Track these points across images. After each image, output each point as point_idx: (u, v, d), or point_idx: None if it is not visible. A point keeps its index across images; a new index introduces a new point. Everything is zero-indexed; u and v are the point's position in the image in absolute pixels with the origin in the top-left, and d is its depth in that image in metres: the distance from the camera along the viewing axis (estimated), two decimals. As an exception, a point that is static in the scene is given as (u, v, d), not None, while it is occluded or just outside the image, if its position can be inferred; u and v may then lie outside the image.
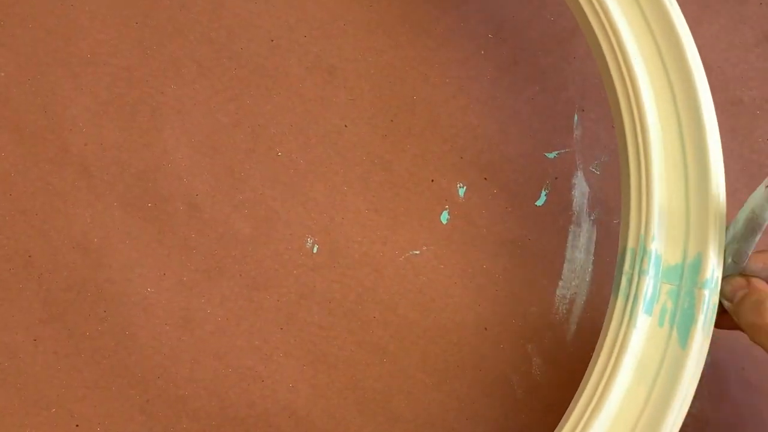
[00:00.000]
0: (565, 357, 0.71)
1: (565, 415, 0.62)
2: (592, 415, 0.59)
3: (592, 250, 0.73)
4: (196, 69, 0.74)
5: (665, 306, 0.61)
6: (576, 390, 0.63)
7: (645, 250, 0.61)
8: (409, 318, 0.71)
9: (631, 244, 0.62)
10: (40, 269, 0.70)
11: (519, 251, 0.72)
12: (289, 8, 0.75)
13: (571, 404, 0.62)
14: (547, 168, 0.73)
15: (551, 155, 0.74)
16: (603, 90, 0.72)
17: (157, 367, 0.69)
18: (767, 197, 0.57)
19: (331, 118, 0.73)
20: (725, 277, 0.61)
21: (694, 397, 0.67)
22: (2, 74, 0.73)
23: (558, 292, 0.72)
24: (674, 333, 0.60)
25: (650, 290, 0.61)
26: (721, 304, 0.62)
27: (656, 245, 0.61)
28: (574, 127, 0.75)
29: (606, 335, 0.61)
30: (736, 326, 0.61)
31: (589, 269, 0.72)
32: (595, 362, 0.61)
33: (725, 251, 0.61)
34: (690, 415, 0.69)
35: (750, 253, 0.61)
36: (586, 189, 0.73)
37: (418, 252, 0.72)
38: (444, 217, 0.72)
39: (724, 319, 0.62)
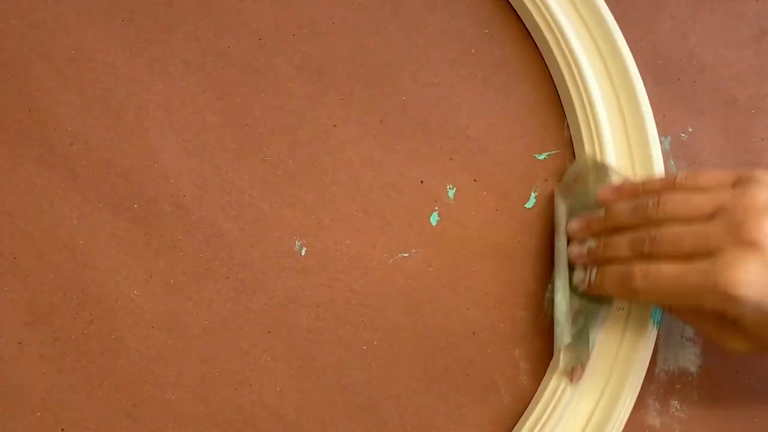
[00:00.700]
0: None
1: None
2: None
3: (583, 254, 0.72)
4: (183, 67, 0.73)
5: None
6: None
7: None
8: (397, 322, 0.70)
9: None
10: (25, 271, 0.69)
11: (508, 254, 0.72)
12: (278, 6, 0.74)
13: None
14: (537, 170, 0.73)
15: (541, 156, 0.73)
16: (595, 92, 0.72)
17: (143, 371, 0.69)
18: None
19: (319, 117, 0.73)
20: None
21: (683, 401, 0.67)
22: (-14, 72, 0.72)
23: (547, 296, 0.72)
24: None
25: None
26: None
27: None
28: (565, 127, 0.74)
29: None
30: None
31: (580, 272, 0.72)
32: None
33: None
34: (677, 419, 0.69)
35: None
36: (577, 191, 0.73)
37: (407, 254, 0.71)
38: (434, 218, 0.72)
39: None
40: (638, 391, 0.69)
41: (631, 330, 0.69)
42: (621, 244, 0.65)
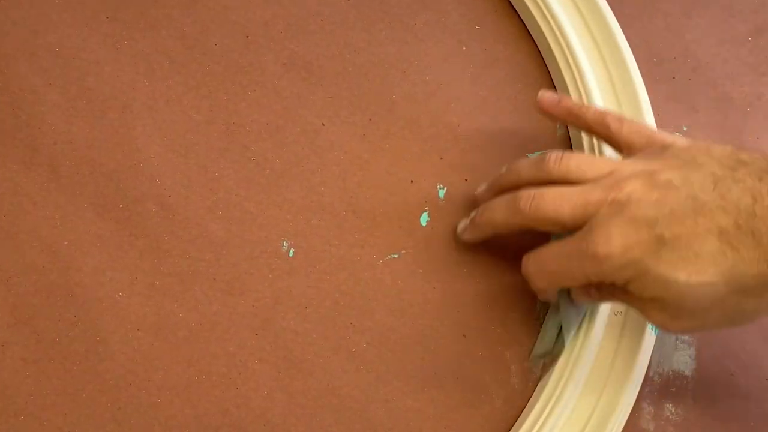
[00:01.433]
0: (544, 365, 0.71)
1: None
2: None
3: (575, 255, 0.72)
4: (169, 65, 0.73)
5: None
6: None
7: None
8: (386, 324, 0.70)
9: None
10: (8, 273, 0.69)
11: (499, 255, 0.72)
12: (265, 3, 0.74)
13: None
14: (530, 169, 0.73)
15: (533, 156, 0.73)
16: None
17: (128, 374, 0.68)
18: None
19: (307, 116, 0.73)
20: None
21: (678, 405, 0.67)
22: (-32, 70, 0.72)
23: (539, 297, 0.72)
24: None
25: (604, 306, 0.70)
26: None
27: None
28: (558, 126, 0.74)
29: None
30: None
31: (572, 274, 0.72)
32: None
33: None
34: (672, 423, 0.69)
35: None
36: (570, 191, 0.72)
37: (396, 255, 0.71)
38: (423, 219, 0.72)
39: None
40: (635, 397, 0.69)
41: (628, 335, 0.69)
42: (502, 200, 0.66)
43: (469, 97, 0.74)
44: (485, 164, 0.72)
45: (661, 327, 0.60)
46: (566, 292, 0.68)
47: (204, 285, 0.70)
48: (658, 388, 0.71)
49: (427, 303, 0.71)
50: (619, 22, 0.74)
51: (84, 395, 0.68)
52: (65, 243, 0.70)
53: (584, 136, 0.72)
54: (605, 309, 0.69)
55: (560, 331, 0.69)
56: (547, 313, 0.71)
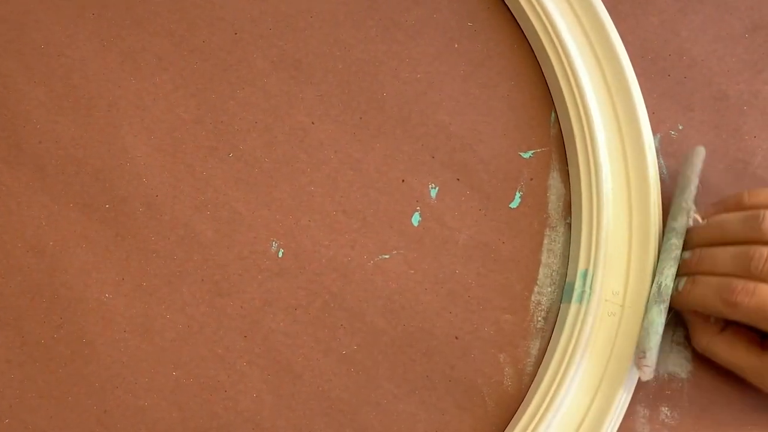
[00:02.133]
0: (538, 367, 0.71)
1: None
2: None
3: (569, 255, 0.72)
4: (156, 62, 0.73)
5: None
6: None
7: (594, 273, 0.69)
8: (377, 326, 0.70)
9: (582, 266, 0.70)
10: (-8, 274, 0.69)
11: (492, 255, 0.72)
12: (254, 0, 0.74)
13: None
14: (522, 168, 0.73)
15: (526, 155, 0.73)
16: (581, 88, 0.72)
17: (115, 377, 0.68)
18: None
19: (297, 114, 0.73)
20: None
21: (673, 408, 0.67)
22: (-49, 68, 0.72)
23: (533, 298, 0.72)
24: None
25: (598, 305, 0.69)
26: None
27: (602, 270, 0.69)
28: (551, 125, 0.74)
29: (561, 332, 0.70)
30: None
31: (566, 274, 0.72)
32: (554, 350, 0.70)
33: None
34: (667, 426, 0.69)
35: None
36: (563, 190, 0.73)
37: (387, 256, 0.71)
38: (415, 219, 0.72)
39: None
40: (630, 399, 0.69)
41: (622, 336, 0.69)
42: (722, 257, 0.64)
43: (461, 95, 0.74)
44: (477, 163, 0.72)
45: None
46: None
47: (192, 286, 0.70)
48: (654, 391, 0.71)
49: (419, 304, 0.71)
50: (613, 19, 0.74)
51: (70, 398, 0.68)
52: (50, 243, 0.70)
53: (576, 136, 0.72)
54: (599, 310, 0.69)
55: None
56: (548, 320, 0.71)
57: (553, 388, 0.68)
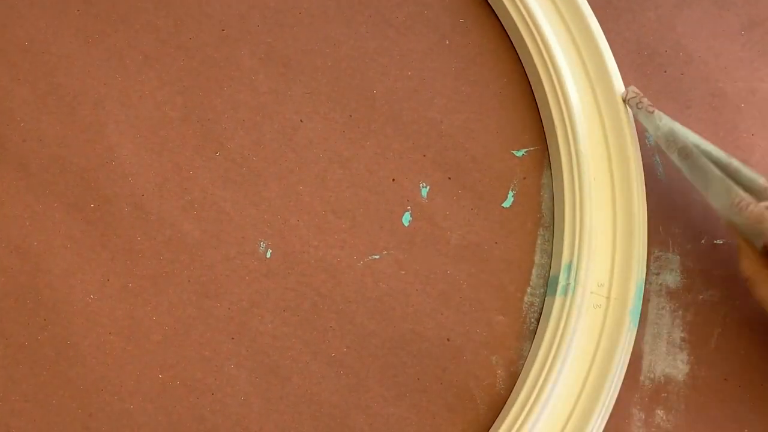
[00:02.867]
0: (532, 370, 0.71)
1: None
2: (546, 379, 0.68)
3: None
4: (142, 59, 0.73)
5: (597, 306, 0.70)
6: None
7: (578, 265, 0.69)
8: (367, 328, 0.70)
9: (566, 259, 0.70)
10: (-25, 275, 0.69)
11: (484, 256, 0.72)
12: (241, -5, 0.74)
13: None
14: (515, 167, 0.73)
15: (519, 153, 0.73)
16: (575, 85, 0.72)
17: (100, 379, 0.69)
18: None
19: (285, 112, 0.73)
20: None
21: (669, 411, 0.67)
22: (-66, 65, 0.72)
23: (526, 299, 0.72)
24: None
25: (583, 297, 0.69)
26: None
27: (585, 262, 0.69)
28: (544, 122, 0.74)
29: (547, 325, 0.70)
30: None
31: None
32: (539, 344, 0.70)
33: None
34: (663, 430, 0.69)
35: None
36: (557, 189, 0.73)
37: (377, 256, 0.71)
38: (406, 218, 0.72)
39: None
40: (617, 393, 0.69)
41: (608, 328, 0.70)
42: None
43: (452, 92, 0.74)
44: (469, 161, 0.73)
45: None
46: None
47: (178, 287, 0.70)
48: (649, 393, 0.71)
49: (410, 305, 0.71)
50: (609, 14, 0.75)
51: (54, 401, 0.68)
52: (34, 243, 0.70)
53: (558, 129, 0.72)
54: (584, 302, 0.69)
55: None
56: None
57: (540, 382, 0.68)
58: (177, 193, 0.71)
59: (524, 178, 0.73)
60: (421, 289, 0.71)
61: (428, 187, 0.73)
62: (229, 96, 0.73)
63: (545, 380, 0.68)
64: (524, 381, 0.69)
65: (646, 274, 0.70)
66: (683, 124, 0.71)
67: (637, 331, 0.70)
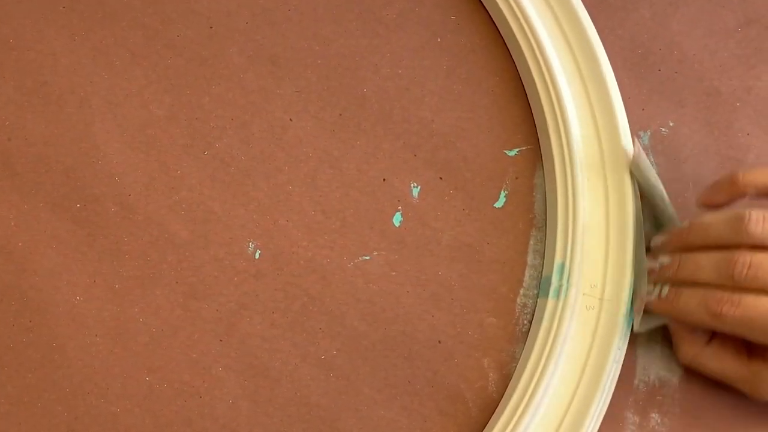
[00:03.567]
0: (524, 372, 0.71)
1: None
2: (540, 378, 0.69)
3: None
4: (129, 57, 0.73)
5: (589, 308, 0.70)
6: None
7: (571, 266, 0.70)
8: (357, 329, 0.71)
9: (558, 259, 0.71)
10: (-41, 276, 0.70)
11: (476, 256, 0.72)
12: (229, -8, 0.74)
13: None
14: (507, 166, 0.74)
15: (512, 152, 0.74)
16: (568, 83, 0.72)
17: (86, 382, 0.69)
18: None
19: (274, 111, 0.73)
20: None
21: (665, 415, 0.67)
22: None
23: (518, 301, 0.72)
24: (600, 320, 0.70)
25: (576, 299, 0.69)
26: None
27: (579, 262, 0.70)
28: (536, 122, 0.74)
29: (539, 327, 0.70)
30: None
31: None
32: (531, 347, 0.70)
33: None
34: (659, 434, 0.69)
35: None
36: (550, 189, 0.73)
37: (368, 257, 0.72)
38: (396, 219, 0.72)
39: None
40: (610, 396, 0.69)
41: (601, 330, 0.70)
42: (705, 264, 0.64)
43: (444, 90, 0.74)
44: (461, 161, 0.73)
45: None
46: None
47: (166, 288, 0.70)
48: (644, 396, 0.71)
49: (400, 307, 0.71)
50: (602, 12, 0.75)
51: (39, 404, 0.68)
52: (20, 244, 0.70)
53: (550, 126, 0.72)
54: (577, 304, 0.70)
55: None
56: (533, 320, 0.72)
57: (532, 385, 0.68)
58: (164, 193, 0.71)
59: (517, 178, 0.73)
60: (411, 291, 0.72)
61: (419, 187, 0.73)
62: (217, 94, 0.73)
63: (537, 383, 0.68)
64: (516, 384, 0.69)
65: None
66: (677, 123, 0.72)
67: (631, 334, 0.70)
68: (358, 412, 0.70)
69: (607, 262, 0.70)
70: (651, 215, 0.71)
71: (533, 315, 0.72)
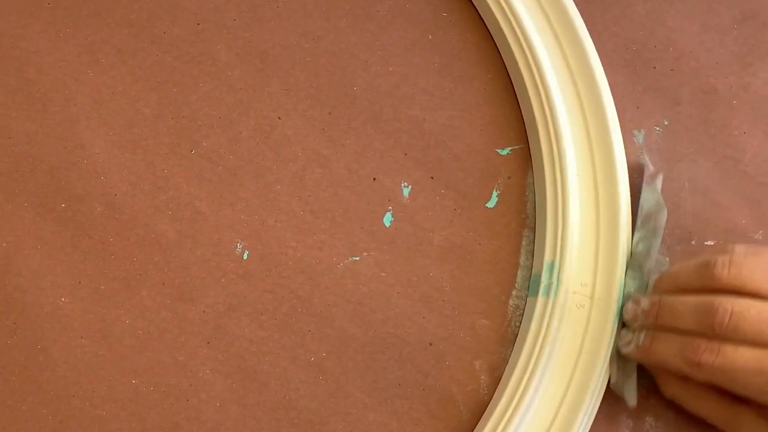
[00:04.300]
0: (516, 375, 0.72)
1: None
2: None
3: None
4: (115, 54, 0.73)
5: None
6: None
7: (561, 264, 0.70)
8: (347, 331, 0.71)
9: (548, 257, 0.71)
10: (-58, 277, 0.70)
11: (468, 257, 0.73)
12: (217, -12, 0.74)
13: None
14: (500, 166, 0.74)
15: (504, 152, 0.74)
16: (561, 81, 0.73)
17: (71, 385, 0.69)
18: (657, 199, 0.70)
19: (262, 109, 0.73)
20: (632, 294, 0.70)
21: (659, 418, 0.69)
22: None
23: (511, 302, 0.73)
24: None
25: (566, 297, 0.70)
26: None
27: (568, 260, 0.70)
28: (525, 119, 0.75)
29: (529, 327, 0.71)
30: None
31: (545, 277, 0.72)
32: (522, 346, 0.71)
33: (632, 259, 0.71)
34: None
35: (653, 256, 0.69)
36: (543, 189, 0.73)
37: (358, 258, 0.72)
38: (387, 219, 0.73)
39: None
40: (601, 397, 0.70)
41: (592, 329, 0.70)
42: (683, 310, 0.64)
43: (435, 89, 0.75)
44: (452, 160, 0.73)
45: None
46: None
47: (152, 290, 0.71)
48: (638, 400, 0.71)
49: (391, 309, 0.71)
50: (595, 8, 0.75)
51: (24, 407, 0.69)
52: (3, 245, 0.70)
53: (539, 123, 0.72)
54: (567, 302, 0.70)
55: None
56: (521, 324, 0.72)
57: (522, 386, 0.69)
58: (151, 193, 0.72)
59: (509, 178, 0.74)
60: (402, 292, 0.72)
61: (410, 187, 0.73)
62: (204, 92, 0.73)
63: (527, 383, 0.69)
64: (506, 384, 0.70)
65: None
66: (673, 121, 0.73)
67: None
68: (347, 415, 0.70)
69: (598, 260, 0.71)
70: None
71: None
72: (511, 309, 0.72)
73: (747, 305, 0.61)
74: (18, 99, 0.72)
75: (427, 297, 0.72)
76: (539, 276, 0.71)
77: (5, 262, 0.70)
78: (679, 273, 0.66)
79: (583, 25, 0.73)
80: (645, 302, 0.67)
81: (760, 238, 0.73)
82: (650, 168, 0.72)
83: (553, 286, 0.70)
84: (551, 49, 0.73)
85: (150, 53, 0.73)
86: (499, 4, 0.73)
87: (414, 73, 0.74)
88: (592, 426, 0.69)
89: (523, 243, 0.73)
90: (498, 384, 0.71)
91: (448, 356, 0.71)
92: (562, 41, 0.73)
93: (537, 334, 0.70)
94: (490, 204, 0.73)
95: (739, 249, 0.63)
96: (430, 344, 0.71)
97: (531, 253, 0.73)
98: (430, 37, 0.75)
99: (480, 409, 0.71)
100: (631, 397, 0.68)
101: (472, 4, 0.76)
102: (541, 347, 0.69)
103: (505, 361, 0.72)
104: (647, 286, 0.70)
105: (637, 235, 0.71)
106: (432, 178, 0.73)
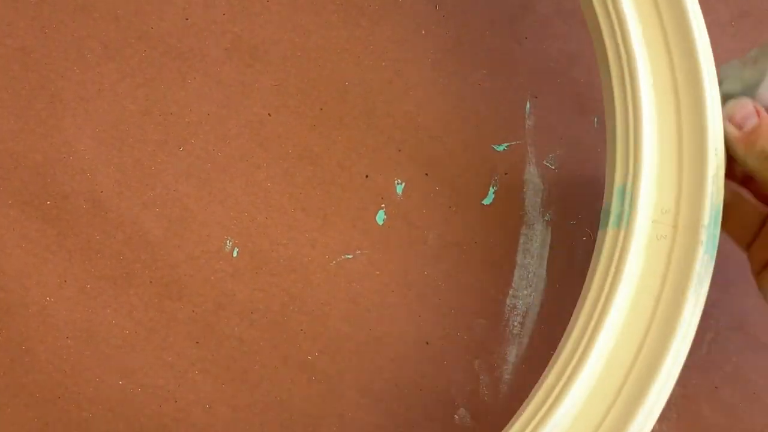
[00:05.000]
0: (517, 375, 0.71)
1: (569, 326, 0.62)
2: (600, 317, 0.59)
3: (546, 255, 0.74)
4: (101, 50, 0.74)
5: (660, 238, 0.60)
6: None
7: (635, 188, 0.60)
8: (340, 331, 0.71)
9: (619, 182, 0.62)
10: (-77, 277, 0.70)
11: (464, 256, 0.73)
12: (206, -18, 0.75)
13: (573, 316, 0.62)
14: (496, 162, 0.74)
15: (500, 148, 0.74)
16: (557, 75, 0.73)
17: (57, 386, 0.69)
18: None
19: (252, 106, 0.74)
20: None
21: (660, 419, 0.68)
22: None
23: (508, 301, 0.73)
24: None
25: (642, 226, 0.60)
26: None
27: (645, 183, 0.60)
28: (526, 116, 0.75)
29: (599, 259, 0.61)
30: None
31: (543, 276, 0.73)
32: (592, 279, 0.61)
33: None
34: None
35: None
36: (540, 186, 0.74)
37: (350, 256, 0.72)
38: (380, 217, 0.73)
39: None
40: (687, 350, 0.59)
41: (676, 264, 0.60)
42: None
43: (429, 84, 0.75)
44: (447, 157, 0.73)
45: None
46: None
47: (139, 289, 0.71)
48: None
49: (386, 308, 0.72)
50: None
51: (8, 410, 0.69)
52: (-13, 244, 0.70)
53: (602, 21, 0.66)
54: (645, 233, 0.60)
55: None
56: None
57: (588, 334, 0.59)
58: (138, 190, 0.72)
59: (506, 174, 0.74)
60: (396, 291, 0.72)
61: (404, 184, 0.73)
62: (193, 89, 0.74)
63: (593, 332, 0.59)
64: (568, 338, 0.60)
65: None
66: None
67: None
68: (341, 417, 0.70)
69: (682, 182, 0.60)
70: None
71: (524, 316, 0.72)
72: (509, 308, 0.72)
73: None
74: (3, 96, 0.72)
75: (423, 296, 0.72)
76: (609, 206, 0.62)
77: (-12, 261, 0.70)
78: None
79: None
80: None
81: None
82: None
83: (626, 214, 0.60)
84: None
85: (137, 49, 0.74)
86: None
87: (407, 68, 0.75)
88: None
89: (521, 241, 0.73)
90: (498, 385, 0.71)
91: (445, 356, 0.71)
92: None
93: (605, 272, 0.60)
94: (487, 201, 0.73)
95: None
96: (427, 343, 0.71)
97: (529, 252, 0.73)
98: (423, 32, 0.75)
99: (480, 409, 0.71)
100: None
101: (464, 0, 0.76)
102: (611, 287, 0.59)
103: (505, 361, 0.72)
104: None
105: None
106: (426, 174, 0.73)
